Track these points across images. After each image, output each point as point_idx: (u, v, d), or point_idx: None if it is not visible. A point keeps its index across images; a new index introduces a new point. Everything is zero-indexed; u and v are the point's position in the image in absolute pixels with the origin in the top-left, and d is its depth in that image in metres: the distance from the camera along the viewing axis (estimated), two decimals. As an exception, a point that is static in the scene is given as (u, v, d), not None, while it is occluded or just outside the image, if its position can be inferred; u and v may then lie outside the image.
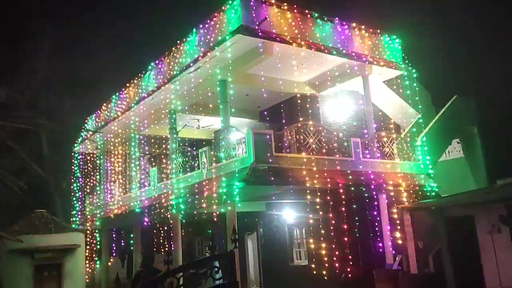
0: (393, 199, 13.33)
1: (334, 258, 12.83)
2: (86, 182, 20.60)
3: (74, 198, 20.25)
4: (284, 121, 13.61)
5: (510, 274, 11.45)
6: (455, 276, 12.82)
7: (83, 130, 20.25)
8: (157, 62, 15.82)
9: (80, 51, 24.64)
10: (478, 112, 16.87)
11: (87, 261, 17.77)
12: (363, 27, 14.68)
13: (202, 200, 12.37)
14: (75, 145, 21.11)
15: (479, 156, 16.67)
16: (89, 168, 20.67)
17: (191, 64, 13.31)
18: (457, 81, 16.72)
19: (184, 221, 14.55)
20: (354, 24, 14.48)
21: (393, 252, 13.06)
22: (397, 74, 15.17)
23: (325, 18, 13.69)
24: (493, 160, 16.14)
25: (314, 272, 13.73)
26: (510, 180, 13.89)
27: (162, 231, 17.81)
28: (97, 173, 20.32)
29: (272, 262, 15.97)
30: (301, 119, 13.16)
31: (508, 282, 11.43)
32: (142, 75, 16.81)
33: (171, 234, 14.82)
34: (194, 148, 14.07)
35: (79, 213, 20.12)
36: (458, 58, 17.64)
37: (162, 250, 16.33)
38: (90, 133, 19.85)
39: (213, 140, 14.65)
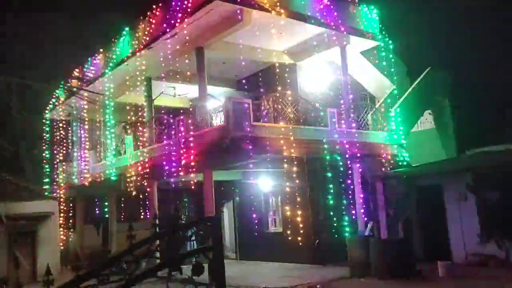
0: (367, 168, 13.70)
1: (309, 225, 13.20)
2: (59, 149, 20.21)
3: (46, 166, 19.88)
4: (262, 90, 13.63)
5: (474, 239, 12.10)
6: (423, 242, 13.47)
7: (54, 96, 19.64)
8: (132, 27, 15.41)
9: (50, 12, 23.57)
10: (450, 84, 17.29)
11: (61, 229, 17.69)
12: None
13: (179, 168, 12.40)
14: (47, 111, 20.57)
15: (449, 127, 17.20)
16: (62, 135, 20.24)
17: (168, 30, 13.05)
18: (431, 54, 16.99)
19: (161, 189, 14.59)
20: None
21: (365, 219, 13.53)
22: (374, 45, 15.29)
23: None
24: (462, 131, 16.69)
25: (289, 239, 14.12)
26: (478, 151, 14.50)
27: (138, 199, 17.78)
28: (70, 141, 19.96)
29: (247, 229, 16.31)
30: (279, 88, 13.19)
31: (473, 246, 12.09)
32: (116, 40, 16.38)
33: (147, 202, 14.89)
34: (171, 116, 13.97)
35: (52, 180, 19.82)
36: (433, 31, 17.89)
37: (140, 217, 16.35)
38: (61, 99, 19.32)
39: (190, 109, 14.56)
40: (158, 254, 4.03)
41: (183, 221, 17.61)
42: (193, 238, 4.11)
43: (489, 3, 16.26)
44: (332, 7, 14.16)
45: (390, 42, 15.39)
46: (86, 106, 18.22)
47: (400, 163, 14.49)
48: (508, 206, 11.53)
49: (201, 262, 3.93)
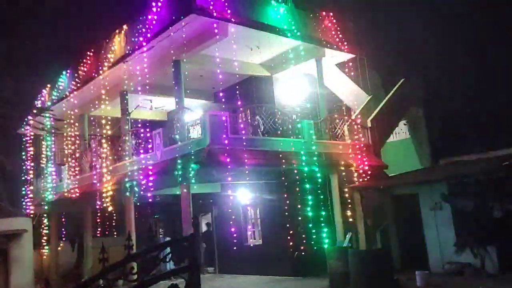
0: (344, 179, 13.80)
1: (288, 237, 13.18)
2: (33, 165, 19.69)
3: (19, 182, 19.31)
4: (239, 102, 13.62)
5: (450, 248, 12.28)
6: (400, 251, 13.60)
7: (32, 111, 19.10)
8: (107, 40, 15.26)
9: (22, 26, 23.13)
10: (423, 95, 17.62)
11: (35, 247, 17.14)
12: (318, 12, 14.87)
13: (157, 183, 12.24)
14: (20, 126, 20.05)
15: (423, 137, 17.49)
16: (36, 151, 19.74)
17: (144, 44, 12.98)
18: (405, 64, 17.29)
19: (138, 203, 14.36)
20: (307, 7, 14.63)
21: (344, 230, 13.58)
22: (349, 57, 15.54)
23: (280, 0, 13.73)
24: (436, 140, 16.98)
25: (269, 251, 14.05)
26: (451, 160, 14.79)
27: (114, 214, 17.49)
28: (44, 156, 19.48)
29: (226, 242, 16.15)
30: (256, 100, 13.23)
31: (449, 255, 12.26)
32: (92, 54, 16.18)
33: (125, 217, 14.59)
34: (148, 130, 13.82)
35: (26, 197, 19.26)
36: (405, 42, 18.20)
37: (115, 233, 16.03)
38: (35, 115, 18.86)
39: (167, 121, 14.44)
40: (134, 277, 3.93)
41: (159, 237, 17.39)
42: (168, 259, 4.04)
43: (460, 12, 16.71)
44: (307, 20, 14.34)
45: (365, 54, 15.65)
46: (60, 121, 17.86)
47: (376, 173, 14.64)
48: (482, 214, 11.76)
49: (176, 284, 3.87)
